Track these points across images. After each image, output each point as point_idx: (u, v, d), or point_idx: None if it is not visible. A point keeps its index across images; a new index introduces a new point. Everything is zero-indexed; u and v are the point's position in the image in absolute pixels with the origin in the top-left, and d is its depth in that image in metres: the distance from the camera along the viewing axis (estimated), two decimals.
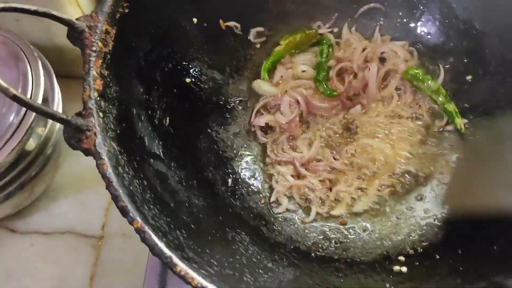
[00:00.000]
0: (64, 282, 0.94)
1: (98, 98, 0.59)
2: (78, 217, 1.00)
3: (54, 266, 0.96)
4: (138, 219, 0.53)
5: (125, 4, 0.66)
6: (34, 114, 0.84)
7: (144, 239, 0.52)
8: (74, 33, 0.61)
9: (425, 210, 0.77)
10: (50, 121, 0.90)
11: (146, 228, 0.52)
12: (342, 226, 0.76)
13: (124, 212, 0.53)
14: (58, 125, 0.93)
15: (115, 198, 0.53)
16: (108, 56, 0.63)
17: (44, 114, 0.53)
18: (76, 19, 0.61)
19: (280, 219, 0.77)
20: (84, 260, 0.96)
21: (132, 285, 0.92)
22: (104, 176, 0.54)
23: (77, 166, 1.03)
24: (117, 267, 0.96)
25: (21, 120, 0.82)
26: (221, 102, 0.86)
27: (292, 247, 0.73)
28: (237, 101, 0.88)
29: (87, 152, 0.56)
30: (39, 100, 0.85)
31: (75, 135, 0.56)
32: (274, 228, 0.75)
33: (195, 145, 0.78)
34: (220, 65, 0.86)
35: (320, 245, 0.74)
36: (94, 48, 0.61)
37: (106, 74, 0.62)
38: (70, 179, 1.02)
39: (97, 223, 0.99)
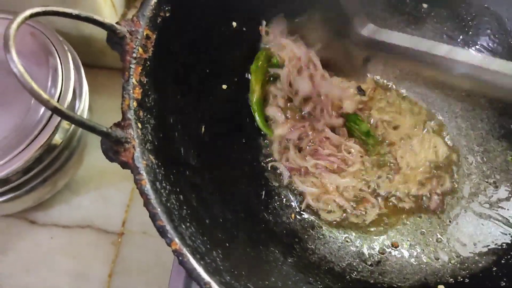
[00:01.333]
0: (82, 277, 0.93)
1: (137, 108, 0.57)
2: (99, 212, 0.99)
3: (73, 260, 0.95)
4: (176, 240, 0.51)
5: (167, 8, 0.63)
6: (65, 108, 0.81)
7: (183, 263, 0.50)
8: (115, 38, 0.58)
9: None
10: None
11: (185, 250, 0.50)
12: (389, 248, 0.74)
13: (162, 232, 0.51)
14: None
15: (153, 216, 0.52)
16: (148, 62, 0.60)
17: (85, 127, 0.51)
18: (117, 23, 0.59)
19: (313, 236, 0.75)
20: (103, 257, 0.95)
21: (151, 285, 0.91)
22: (142, 193, 0.52)
23: (100, 160, 0.99)
24: (136, 265, 0.95)
25: (51, 115, 0.81)
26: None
27: (326, 268, 0.71)
28: None
29: (125, 166, 0.54)
30: (69, 96, 0.83)
31: (113, 148, 0.54)
32: (308, 247, 0.73)
33: (229, 155, 0.76)
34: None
35: (355, 267, 0.72)
36: (134, 55, 0.58)
37: (145, 82, 0.59)
38: (92, 172, 1.01)
39: (117, 219, 0.98)
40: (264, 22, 0.83)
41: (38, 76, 0.81)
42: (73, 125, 0.89)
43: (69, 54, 0.85)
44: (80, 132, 0.93)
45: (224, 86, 0.78)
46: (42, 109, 0.80)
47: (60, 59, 0.84)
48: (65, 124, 0.87)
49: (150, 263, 0.93)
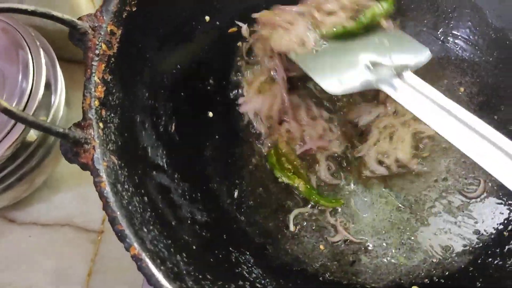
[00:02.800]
0: (62, 276, 0.92)
1: (99, 107, 0.55)
2: (78, 210, 0.97)
3: (52, 259, 0.93)
4: (135, 245, 0.49)
5: (133, 2, 0.61)
6: (36, 103, 0.80)
7: (141, 268, 0.48)
8: (76, 34, 0.56)
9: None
10: (52, 111, 0.86)
11: (143, 256, 0.49)
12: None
13: (121, 236, 0.49)
14: (60, 114, 0.89)
15: (112, 220, 0.50)
16: (112, 59, 0.58)
17: (40, 128, 0.49)
18: (78, 18, 0.57)
19: (287, 236, 0.73)
20: (82, 255, 0.94)
21: (130, 284, 0.90)
22: (101, 196, 0.51)
23: None
24: (116, 264, 0.93)
25: (23, 110, 0.78)
26: (234, 103, 0.81)
27: (299, 269, 0.69)
28: None
29: (84, 167, 0.52)
30: (41, 91, 0.81)
31: (73, 149, 0.52)
32: (281, 247, 0.72)
33: (201, 153, 0.74)
34: (232, 67, 0.81)
35: (328, 267, 0.70)
36: (97, 51, 0.56)
37: (109, 80, 0.57)
38: (71, 169, 0.96)
39: (97, 217, 0.96)
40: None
41: (8, 71, 0.80)
42: (49, 120, 0.87)
43: (41, 49, 0.83)
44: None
45: (197, 82, 0.76)
46: (14, 103, 0.78)
47: (31, 54, 0.82)
48: (40, 119, 0.85)
49: (130, 261, 0.91)
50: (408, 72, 0.66)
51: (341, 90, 0.66)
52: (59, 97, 0.87)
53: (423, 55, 0.68)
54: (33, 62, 0.81)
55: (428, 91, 0.63)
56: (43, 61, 0.83)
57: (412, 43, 0.71)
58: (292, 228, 0.74)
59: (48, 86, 0.84)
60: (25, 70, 0.80)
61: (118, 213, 0.50)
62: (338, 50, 0.69)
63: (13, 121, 0.78)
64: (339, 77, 0.67)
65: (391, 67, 0.66)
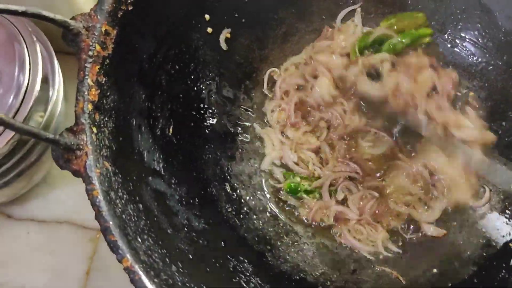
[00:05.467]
0: (59, 274, 0.91)
1: (93, 111, 0.53)
2: (77, 207, 0.96)
3: (50, 257, 0.92)
4: (128, 256, 0.48)
5: (129, 1, 0.59)
6: (33, 98, 0.79)
7: (134, 281, 0.47)
8: (69, 35, 0.54)
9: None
10: (50, 106, 0.85)
11: (136, 268, 0.47)
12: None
13: (113, 247, 0.48)
14: (58, 109, 0.88)
15: (105, 230, 0.48)
16: (107, 60, 0.56)
17: (29, 134, 0.47)
18: (72, 18, 0.54)
19: (287, 243, 0.71)
20: (81, 253, 0.92)
21: (129, 283, 0.88)
22: (93, 205, 0.49)
23: None
24: (114, 262, 0.91)
25: (19, 106, 0.77)
26: (232, 105, 0.79)
27: (298, 277, 0.67)
28: (249, 106, 0.80)
29: (77, 174, 0.51)
30: (38, 85, 0.80)
31: (64, 155, 0.50)
32: (280, 254, 0.70)
33: (200, 156, 0.72)
34: (232, 67, 0.79)
35: (329, 276, 0.69)
36: (91, 53, 0.54)
37: (103, 82, 0.55)
38: None
39: None
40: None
41: (5, 66, 0.78)
42: (46, 116, 0.86)
43: (37, 43, 0.82)
44: (56, 123, 0.89)
45: (196, 83, 0.73)
46: (11, 98, 0.77)
47: (27, 48, 0.80)
48: (37, 115, 0.84)
49: None
50: None
51: None
52: (57, 92, 0.86)
53: None
54: (29, 57, 0.80)
55: None
56: (40, 55, 0.81)
57: None
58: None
59: (45, 80, 0.82)
60: (21, 64, 0.79)
61: (111, 222, 0.49)
62: None
63: (10, 115, 0.76)
64: None
65: None
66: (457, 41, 0.81)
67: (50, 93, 0.83)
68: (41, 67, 0.81)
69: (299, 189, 0.76)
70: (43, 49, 0.85)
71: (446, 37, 0.81)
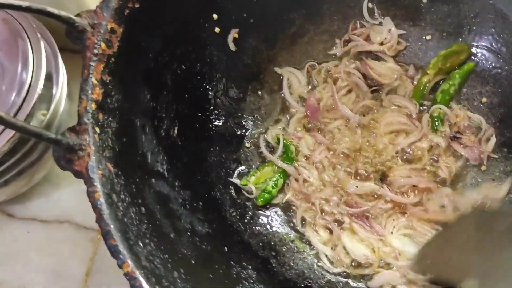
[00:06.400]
0: (58, 275, 0.90)
1: (96, 111, 0.52)
2: (78, 207, 0.95)
3: (50, 257, 0.91)
4: (129, 261, 0.46)
5: None
6: (36, 95, 0.78)
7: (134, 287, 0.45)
8: (74, 32, 0.52)
9: None
10: (53, 104, 0.84)
11: (137, 274, 0.46)
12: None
13: (114, 252, 0.46)
14: (61, 108, 0.87)
15: (105, 234, 0.47)
16: (112, 59, 0.55)
17: (30, 134, 0.46)
18: (77, 15, 0.53)
19: (292, 249, 0.70)
20: (81, 254, 0.91)
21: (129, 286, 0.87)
22: (94, 207, 0.47)
23: None
24: (115, 264, 0.90)
25: (22, 103, 0.76)
26: (238, 107, 0.77)
27: (303, 285, 0.65)
28: (256, 108, 0.79)
29: (78, 175, 0.49)
30: (41, 83, 0.79)
31: (66, 155, 0.48)
32: (285, 261, 0.68)
33: (204, 158, 0.70)
34: (239, 67, 0.77)
35: (335, 285, 0.67)
36: (96, 51, 0.53)
37: (108, 81, 0.54)
38: None
39: None
40: None
41: (8, 62, 0.78)
42: (49, 114, 0.85)
43: (42, 40, 0.81)
44: (59, 121, 0.88)
45: (202, 84, 0.72)
46: (13, 96, 0.76)
47: (31, 45, 0.79)
48: (40, 113, 0.83)
49: None
50: None
51: None
52: (61, 90, 0.85)
53: None
54: (33, 54, 0.79)
55: None
56: (44, 52, 0.80)
57: None
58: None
59: (49, 78, 0.81)
60: (25, 61, 0.78)
61: (112, 226, 0.47)
62: None
63: (12, 113, 0.75)
64: None
65: None
66: (471, 44, 0.79)
67: (54, 91, 0.83)
68: (45, 64, 0.80)
69: None
70: (47, 46, 0.84)
71: (460, 41, 0.79)
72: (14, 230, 0.93)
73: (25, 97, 0.76)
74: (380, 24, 0.82)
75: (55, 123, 0.86)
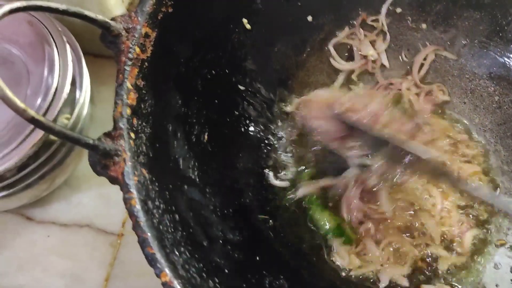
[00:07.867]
0: (78, 280, 0.89)
1: (131, 116, 0.51)
2: (99, 211, 0.94)
3: (69, 261, 0.90)
4: (167, 270, 0.45)
5: (170, 3, 0.57)
6: (62, 100, 0.77)
7: None
8: (109, 36, 0.52)
9: None
10: (76, 109, 0.83)
11: (176, 283, 0.45)
12: None
13: (151, 261, 0.45)
14: (84, 112, 0.86)
15: (143, 242, 0.46)
16: (146, 63, 0.54)
17: (68, 139, 0.45)
18: (112, 19, 0.52)
19: (323, 259, 0.68)
20: (100, 258, 0.91)
21: None
22: (131, 215, 0.47)
23: None
24: (135, 269, 0.90)
25: (47, 109, 0.75)
26: (266, 112, 0.76)
27: None
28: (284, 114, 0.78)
29: (114, 181, 0.49)
30: (67, 87, 0.78)
31: (102, 161, 0.48)
32: (316, 272, 0.67)
33: (234, 165, 0.69)
34: (268, 73, 0.76)
35: None
36: (130, 55, 0.52)
37: (141, 86, 0.54)
38: None
39: (117, 219, 0.93)
40: None
41: (33, 67, 0.78)
42: (72, 119, 0.84)
43: (67, 45, 0.80)
44: (81, 126, 0.87)
45: (232, 89, 0.71)
46: (39, 100, 0.76)
47: (57, 49, 0.79)
48: (63, 118, 0.82)
49: (149, 267, 0.88)
50: None
51: None
52: (84, 94, 0.84)
53: None
54: (59, 58, 0.78)
55: None
56: (70, 56, 0.80)
57: None
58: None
59: (73, 82, 0.80)
60: (51, 66, 0.77)
61: (149, 234, 0.47)
62: None
63: None
64: None
65: None
66: (503, 52, 0.78)
67: (77, 95, 0.82)
68: (71, 69, 0.79)
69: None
70: (71, 51, 0.83)
71: (492, 48, 0.78)
72: (33, 234, 0.93)
73: (51, 102, 0.76)
74: None
75: (78, 127, 0.85)
